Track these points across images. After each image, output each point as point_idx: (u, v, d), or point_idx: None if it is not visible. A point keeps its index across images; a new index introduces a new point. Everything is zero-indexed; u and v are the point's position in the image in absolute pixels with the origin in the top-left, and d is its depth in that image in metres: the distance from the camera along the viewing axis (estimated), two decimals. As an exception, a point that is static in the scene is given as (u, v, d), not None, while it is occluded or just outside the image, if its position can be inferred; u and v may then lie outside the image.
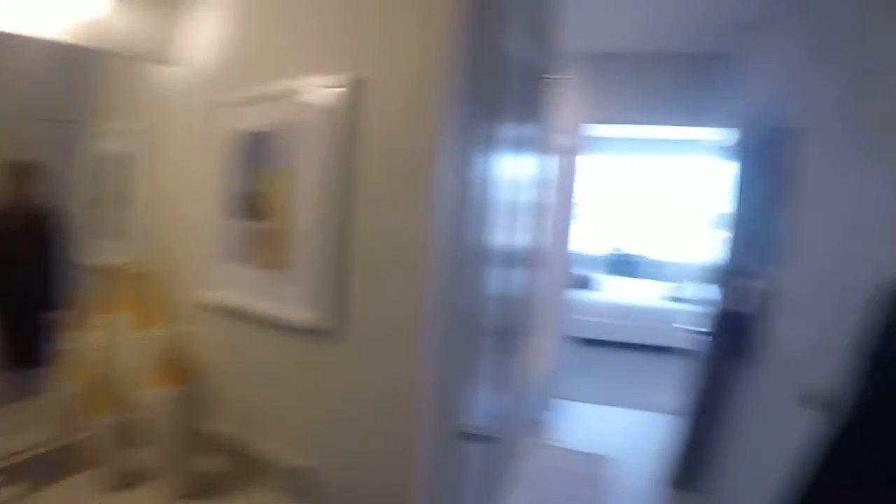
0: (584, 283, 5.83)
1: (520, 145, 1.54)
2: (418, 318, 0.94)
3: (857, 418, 0.66)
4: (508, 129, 1.42)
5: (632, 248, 6.91)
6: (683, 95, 3.28)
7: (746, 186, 2.76)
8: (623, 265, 6.83)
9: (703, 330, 2.63)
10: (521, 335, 1.77)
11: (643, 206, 6.91)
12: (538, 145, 1.69)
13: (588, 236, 6.83)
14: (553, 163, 3.19)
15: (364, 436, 1.04)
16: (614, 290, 5.78)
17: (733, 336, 2.46)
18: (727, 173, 2.53)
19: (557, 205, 3.23)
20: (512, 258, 1.55)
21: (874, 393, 0.64)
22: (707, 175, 3.15)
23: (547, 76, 1.69)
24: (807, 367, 1.72)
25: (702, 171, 4.40)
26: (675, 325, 3.48)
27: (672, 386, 3.40)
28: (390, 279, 0.97)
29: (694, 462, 2.78)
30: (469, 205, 1.08)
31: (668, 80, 3.31)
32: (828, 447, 0.76)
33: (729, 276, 2.84)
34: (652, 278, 6.60)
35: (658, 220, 6.88)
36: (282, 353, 1.12)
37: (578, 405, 3.77)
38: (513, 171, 1.47)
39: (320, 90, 1.01)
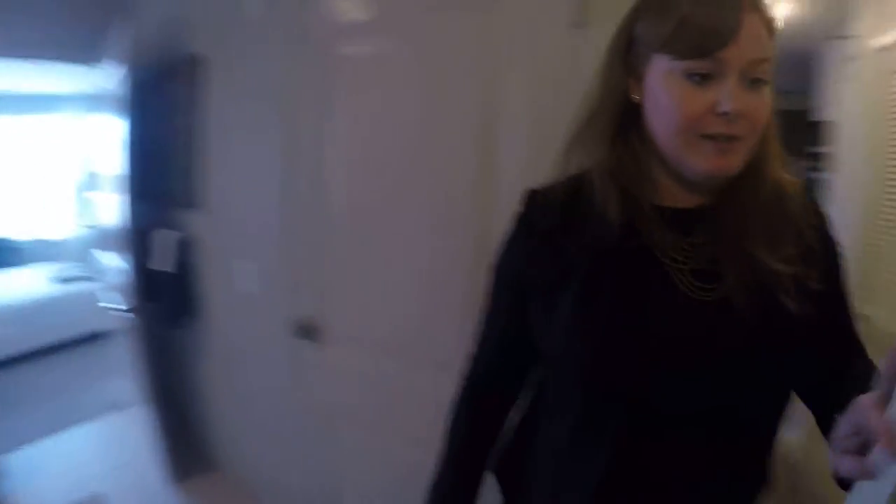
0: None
1: None
2: None
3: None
4: None
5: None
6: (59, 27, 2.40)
7: (142, 130, 2.36)
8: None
9: (127, 303, 2.27)
10: None
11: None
12: None
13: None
14: None
15: None
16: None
17: (162, 299, 2.25)
18: (113, 121, 2.09)
19: None
20: None
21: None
22: (81, 131, 2.59)
23: None
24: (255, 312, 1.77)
25: (72, 129, 3.64)
26: (94, 305, 2.99)
27: (122, 375, 2.94)
28: None
29: (186, 445, 2.54)
30: None
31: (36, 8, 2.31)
32: None
33: (138, 235, 2.52)
34: (39, 262, 5.20)
35: (24, 194, 5.37)
36: None
37: (22, 453, 2.74)
38: None
39: None
